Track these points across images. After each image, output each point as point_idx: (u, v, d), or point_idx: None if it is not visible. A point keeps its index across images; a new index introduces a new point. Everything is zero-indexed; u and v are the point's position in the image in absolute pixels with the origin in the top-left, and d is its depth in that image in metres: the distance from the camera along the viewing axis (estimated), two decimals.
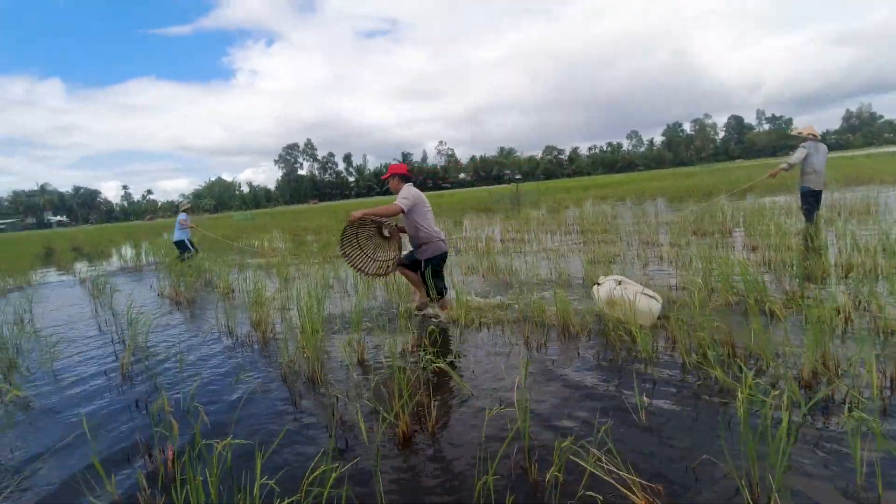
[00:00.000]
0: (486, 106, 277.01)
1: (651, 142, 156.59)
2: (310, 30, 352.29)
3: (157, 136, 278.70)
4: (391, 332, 4.09)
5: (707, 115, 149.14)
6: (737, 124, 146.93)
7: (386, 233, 4.82)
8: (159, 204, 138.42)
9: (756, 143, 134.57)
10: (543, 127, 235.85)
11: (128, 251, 17.21)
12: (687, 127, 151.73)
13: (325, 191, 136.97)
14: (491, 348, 3.68)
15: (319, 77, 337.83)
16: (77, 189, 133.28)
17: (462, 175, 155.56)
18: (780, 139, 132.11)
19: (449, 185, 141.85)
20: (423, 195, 4.53)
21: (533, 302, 4.15)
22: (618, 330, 3.37)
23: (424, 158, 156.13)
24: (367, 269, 4.76)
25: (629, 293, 3.62)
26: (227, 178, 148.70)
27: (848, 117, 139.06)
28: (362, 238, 4.89)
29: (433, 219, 4.58)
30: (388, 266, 4.62)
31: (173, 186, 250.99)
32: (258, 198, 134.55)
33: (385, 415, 2.47)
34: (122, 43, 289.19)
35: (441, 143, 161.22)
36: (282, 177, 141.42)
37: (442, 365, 2.84)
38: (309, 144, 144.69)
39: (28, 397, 3.45)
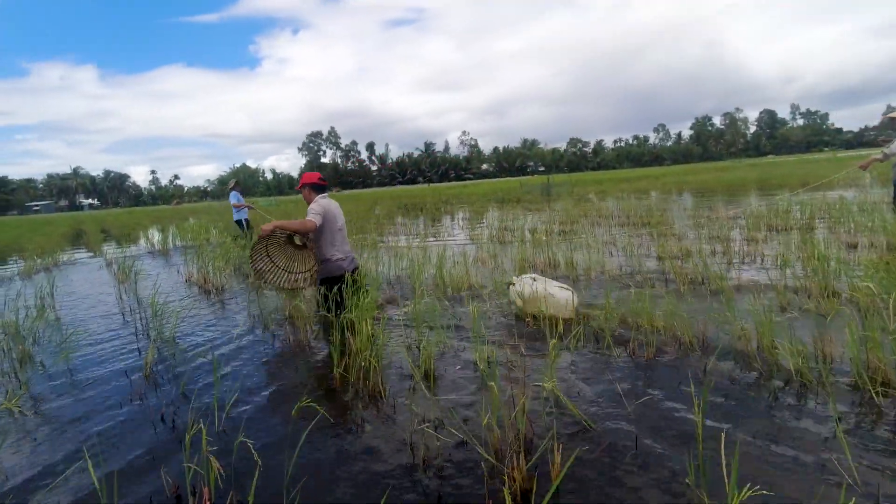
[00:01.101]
0: (510, 97, 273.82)
1: (679, 135, 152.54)
2: (337, 18, 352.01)
3: (185, 122, 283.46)
4: (465, 338, 3.47)
5: (738, 109, 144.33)
6: (769, 119, 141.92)
7: (298, 241, 4.24)
8: (185, 189, 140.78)
9: (789, 138, 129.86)
10: (568, 119, 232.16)
11: (155, 234, 17.03)
12: (717, 121, 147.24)
13: (348, 179, 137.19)
14: (591, 363, 3.02)
15: (345, 66, 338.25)
16: (108, 173, 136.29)
17: (485, 166, 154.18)
18: (814, 135, 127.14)
19: (471, 176, 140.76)
20: (335, 207, 4.11)
21: (634, 303, 3.47)
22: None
23: (447, 148, 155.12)
24: (281, 283, 4.26)
25: (548, 288, 3.76)
26: (252, 164, 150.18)
27: (889, 112, 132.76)
28: (273, 249, 4.25)
29: (342, 236, 4.11)
30: (307, 278, 4.20)
31: (199, 172, 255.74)
32: (282, 185, 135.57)
33: (491, 460, 1.84)
34: (153, 30, 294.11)
35: (464, 133, 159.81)
36: (305, 164, 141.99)
37: (559, 395, 2.21)
38: (332, 133, 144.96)
39: (38, 406, 2.93)
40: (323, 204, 3.97)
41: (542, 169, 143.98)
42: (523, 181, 32.17)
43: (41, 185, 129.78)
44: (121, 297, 5.81)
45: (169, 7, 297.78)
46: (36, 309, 5.40)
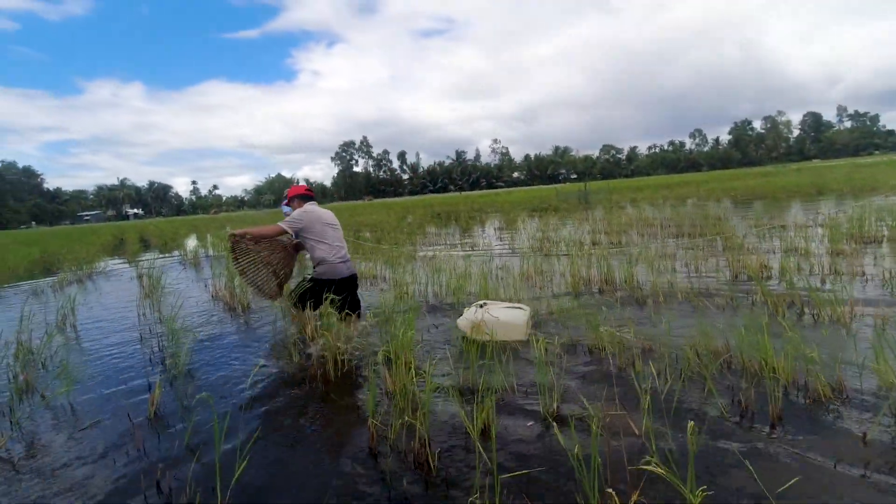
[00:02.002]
0: (541, 104, 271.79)
1: (717, 140, 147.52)
2: (369, 30, 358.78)
3: (224, 134, 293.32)
4: (528, 381, 2.87)
5: (780, 113, 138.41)
6: (814, 121, 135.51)
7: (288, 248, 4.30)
8: (224, 199, 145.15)
9: (836, 141, 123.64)
10: (600, 125, 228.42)
11: (190, 243, 17.13)
12: (757, 125, 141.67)
13: (380, 187, 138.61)
14: (689, 416, 2.38)
15: (377, 76, 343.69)
16: (152, 184, 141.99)
17: (516, 174, 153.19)
18: (863, 137, 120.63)
19: (503, 184, 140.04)
20: (323, 213, 4.08)
21: (739, 337, 2.81)
22: None
23: (478, 156, 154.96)
24: (266, 289, 4.12)
25: (495, 313, 3.56)
26: (287, 174, 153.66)
27: None
28: (264, 249, 4.10)
29: (335, 234, 4.04)
30: (281, 281, 4.23)
31: (237, 182, 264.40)
32: (315, 194, 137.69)
33: None
34: (197, 47, 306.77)
35: (495, 141, 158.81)
36: (338, 173, 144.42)
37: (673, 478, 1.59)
38: (364, 142, 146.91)
39: (25, 449, 2.50)
40: (304, 209, 3.98)
41: (574, 176, 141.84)
42: (559, 189, 31.24)
43: (91, 196, 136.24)
44: (143, 315, 5.47)
45: (212, 24, 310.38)
46: (56, 326, 5.14)
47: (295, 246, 4.30)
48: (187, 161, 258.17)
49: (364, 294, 5.82)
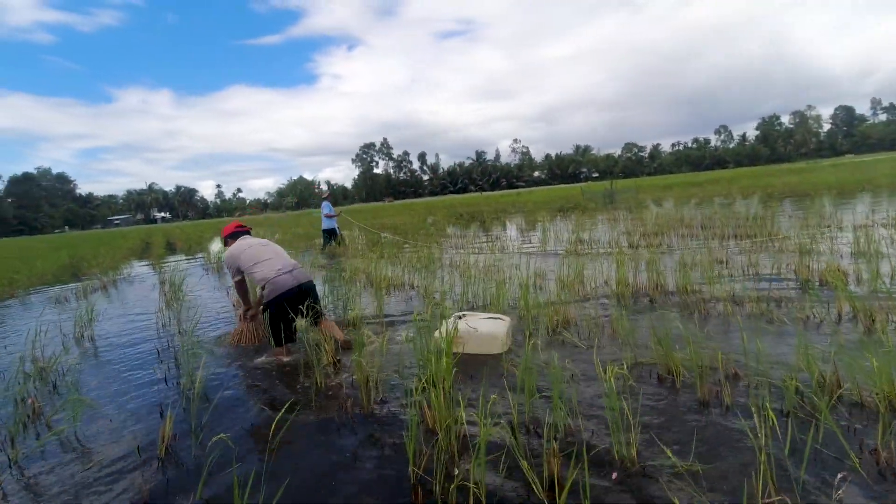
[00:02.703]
0: (562, 103, 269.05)
1: (743, 137, 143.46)
2: (389, 33, 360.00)
3: (247, 138, 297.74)
4: (596, 414, 2.44)
5: (810, 107, 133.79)
6: (846, 115, 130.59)
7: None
8: (247, 201, 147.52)
9: (870, 135, 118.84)
10: (622, 124, 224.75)
11: (214, 247, 17.10)
12: (785, 119, 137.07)
13: (400, 189, 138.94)
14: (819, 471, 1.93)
15: (397, 79, 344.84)
16: (178, 188, 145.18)
17: (536, 173, 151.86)
18: None
19: (523, 184, 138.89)
20: (250, 240, 4.03)
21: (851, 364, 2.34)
22: None
23: (498, 157, 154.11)
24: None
25: (471, 324, 3.48)
26: (308, 176, 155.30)
27: None
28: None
29: (270, 251, 3.92)
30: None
31: (260, 185, 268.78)
32: (336, 195, 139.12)
33: None
34: (221, 53, 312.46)
35: (515, 140, 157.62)
36: (358, 175, 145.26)
37: None
38: (385, 144, 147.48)
39: (17, 493, 2.19)
40: (230, 248, 3.98)
41: (595, 175, 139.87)
42: (585, 187, 30.48)
43: (121, 201, 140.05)
44: (162, 326, 5.21)
45: (236, 31, 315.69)
46: (74, 338, 4.92)
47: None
48: (212, 165, 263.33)
49: (390, 302, 5.46)
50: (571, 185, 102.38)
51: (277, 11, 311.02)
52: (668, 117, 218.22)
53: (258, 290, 3.85)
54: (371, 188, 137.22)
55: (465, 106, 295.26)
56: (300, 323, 3.78)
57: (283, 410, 2.52)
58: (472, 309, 4.81)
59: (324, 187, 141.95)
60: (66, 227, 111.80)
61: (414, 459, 1.98)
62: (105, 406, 3.11)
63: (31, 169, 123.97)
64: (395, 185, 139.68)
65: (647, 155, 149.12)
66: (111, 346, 4.59)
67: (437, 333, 3.49)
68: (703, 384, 2.50)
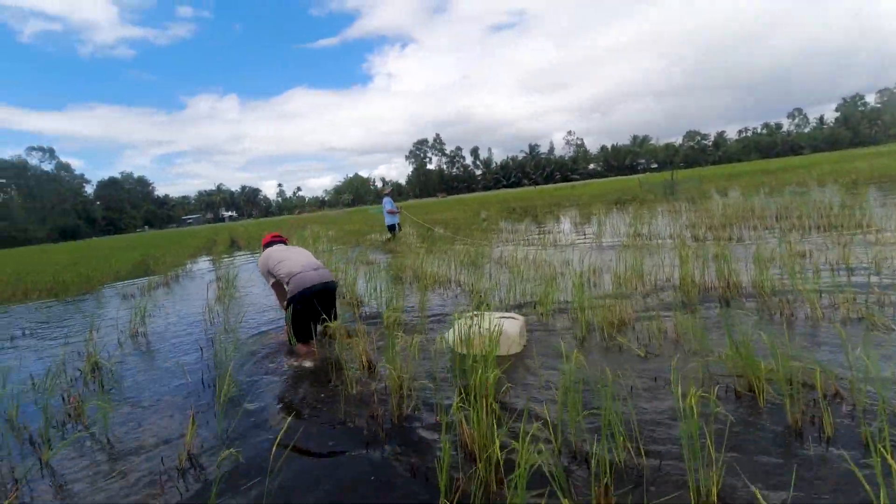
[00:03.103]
0: (617, 93, 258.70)
1: (820, 120, 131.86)
2: (441, 30, 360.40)
3: (306, 139, 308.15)
4: (669, 439, 2.09)
5: None
6: None
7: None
8: (306, 199, 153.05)
9: None
10: (683, 112, 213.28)
11: None
12: (870, 99, 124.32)
13: (453, 184, 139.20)
14: None
15: (449, 75, 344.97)
16: (243, 188, 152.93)
17: (591, 166, 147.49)
18: None
19: (578, 177, 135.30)
20: (275, 249, 4.11)
21: None
22: None
23: (551, 150, 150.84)
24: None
25: (486, 324, 3.00)
26: (364, 174, 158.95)
27: None
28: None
29: (297, 253, 4.03)
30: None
31: (318, 183, 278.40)
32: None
33: None
34: (281, 58, 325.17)
35: (569, 133, 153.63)
36: (412, 172, 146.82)
37: None
38: (437, 139, 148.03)
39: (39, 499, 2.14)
40: (260, 262, 4.05)
41: (654, 166, 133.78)
42: (643, 179, 28.93)
43: (193, 201, 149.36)
44: (210, 322, 5.25)
45: (295, 35, 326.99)
46: (129, 334, 5.05)
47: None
48: (273, 166, 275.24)
49: (433, 300, 5.24)
50: (628, 176, 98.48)
51: (333, 15, 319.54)
52: (734, 102, 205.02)
53: (284, 287, 3.83)
54: (424, 184, 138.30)
55: (518, 99, 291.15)
56: (333, 325, 3.65)
57: (306, 418, 2.34)
58: (519, 308, 4.49)
59: (378, 184, 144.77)
60: (146, 227, 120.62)
61: (447, 491, 1.73)
62: (140, 407, 3.08)
63: (116, 174, 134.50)
64: (448, 181, 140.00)
65: (710, 143, 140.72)
66: (160, 343, 4.66)
67: (448, 334, 3.38)
68: (794, 405, 2.08)
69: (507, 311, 4.43)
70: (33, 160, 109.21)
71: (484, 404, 2.05)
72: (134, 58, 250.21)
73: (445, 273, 6.43)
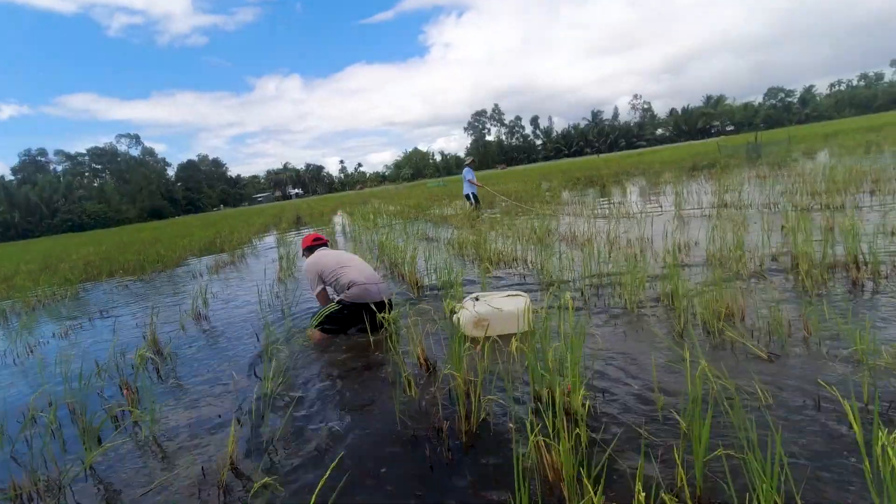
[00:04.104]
0: (690, 51, 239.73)
1: None
2: None
3: (367, 114, 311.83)
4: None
5: None
6: None
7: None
8: (367, 175, 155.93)
9: None
10: (763, 67, 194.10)
11: (337, 218, 17.90)
12: None
13: (513, 155, 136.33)
14: None
15: (507, 42, 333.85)
16: (308, 166, 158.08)
17: (659, 131, 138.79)
18: None
19: (644, 143, 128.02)
20: (325, 253, 3.97)
21: None
22: None
23: (616, 116, 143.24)
24: None
25: (493, 303, 3.22)
26: (423, 147, 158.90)
27: None
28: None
29: (359, 262, 3.90)
30: None
31: (379, 158, 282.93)
32: (449, 165, 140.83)
33: None
34: (339, 35, 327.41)
35: (635, 97, 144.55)
36: (471, 143, 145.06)
37: None
38: (496, 110, 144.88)
39: None
40: (311, 263, 3.89)
41: (730, 128, 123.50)
42: (721, 142, 26.40)
43: (262, 180, 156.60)
44: (268, 305, 5.12)
45: (352, 12, 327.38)
46: (192, 314, 5.03)
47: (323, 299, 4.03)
48: (335, 142, 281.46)
49: (497, 282, 4.80)
50: (701, 140, 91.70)
51: None
52: (824, 53, 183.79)
53: (340, 287, 3.71)
54: (483, 156, 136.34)
55: (581, 64, 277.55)
56: (389, 317, 3.39)
57: (358, 426, 2.01)
58: (597, 293, 3.96)
59: (437, 157, 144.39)
60: (221, 206, 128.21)
61: None
62: (191, 400, 2.91)
63: (193, 156, 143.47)
64: (508, 152, 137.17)
65: (796, 100, 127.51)
66: (219, 328, 4.57)
67: (456, 318, 3.26)
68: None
69: (581, 296, 3.92)
70: (122, 146, 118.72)
71: (566, 423, 1.61)
72: (206, 44, 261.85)
73: (510, 250, 5.95)
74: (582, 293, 3.98)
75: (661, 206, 8.95)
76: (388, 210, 17.32)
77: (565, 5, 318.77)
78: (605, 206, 9.90)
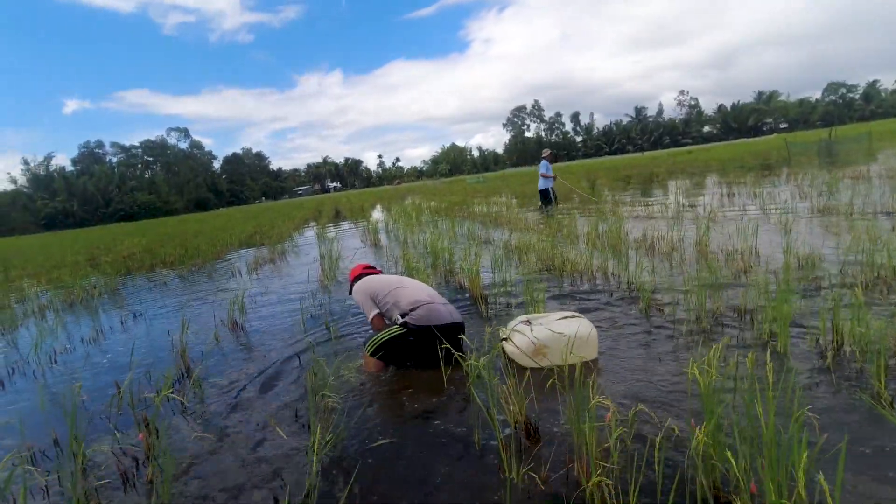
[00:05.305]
0: (740, 43, 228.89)
1: None
2: None
3: (406, 109, 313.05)
4: None
5: None
6: None
7: None
8: (405, 170, 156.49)
9: None
10: (822, 61, 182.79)
11: (376, 214, 17.43)
12: None
13: (553, 152, 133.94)
14: None
15: (548, 36, 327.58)
16: (346, 160, 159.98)
17: (706, 128, 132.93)
18: None
19: (689, 141, 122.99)
20: (376, 276, 3.45)
21: None
22: None
23: (660, 112, 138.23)
24: None
25: (552, 327, 2.77)
26: (460, 143, 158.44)
27: None
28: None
29: (417, 282, 3.35)
30: None
31: (416, 154, 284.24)
32: (487, 161, 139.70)
33: None
34: (381, 32, 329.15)
35: (681, 92, 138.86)
36: (509, 140, 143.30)
37: None
38: (536, 106, 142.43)
39: None
40: (358, 290, 3.37)
41: (783, 126, 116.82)
42: (790, 139, 24.44)
43: (303, 174, 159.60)
44: (310, 315, 4.54)
45: (394, 8, 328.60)
46: (228, 324, 4.51)
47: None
48: (374, 137, 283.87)
49: (581, 302, 4.05)
50: (755, 138, 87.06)
51: None
52: (889, 45, 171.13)
53: (402, 310, 3.06)
54: (522, 152, 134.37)
55: (623, 58, 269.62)
56: (479, 364, 2.66)
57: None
58: (719, 325, 3.15)
59: (475, 153, 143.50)
60: (263, 198, 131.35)
61: None
62: (219, 443, 2.32)
63: (238, 150, 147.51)
64: (547, 148, 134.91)
65: (858, 96, 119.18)
66: (257, 343, 4.01)
67: (507, 346, 2.86)
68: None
69: (698, 324, 3.12)
70: (171, 140, 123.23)
71: None
72: (252, 41, 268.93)
73: (584, 259, 5.17)
74: (700, 321, 3.18)
75: (742, 209, 7.93)
76: (429, 206, 16.72)
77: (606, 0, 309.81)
78: (671, 207, 8.92)
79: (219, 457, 2.26)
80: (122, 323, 5.28)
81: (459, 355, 2.58)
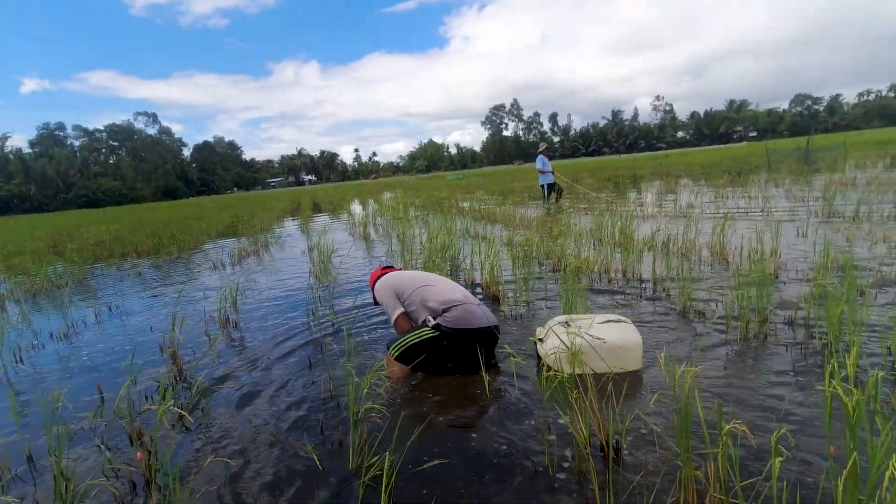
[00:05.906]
0: (713, 52, 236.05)
1: None
2: None
3: (383, 104, 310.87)
4: None
5: None
6: None
7: None
8: (381, 165, 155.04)
9: None
10: (789, 73, 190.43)
11: (356, 208, 16.91)
12: None
13: (530, 151, 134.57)
14: None
15: (528, 36, 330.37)
16: (322, 153, 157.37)
17: (680, 133, 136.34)
18: None
19: (664, 145, 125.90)
20: (401, 274, 3.08)
21: None
22: None
23: (636, 116, 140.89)
24: None
25: (598, 333, 2.49)
26: (438, 139, 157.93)
27: None
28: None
29: (444, 281, 2.97)
30: None
31: (393, 149, 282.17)
32: (464, 158, 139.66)
33: None
34: (360, 24, 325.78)
35: (657, 98, 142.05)
36: (487, 138, 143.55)
37: None
38: (515, 105, 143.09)
39: None
40: (381, 287, 3.02)
41: (753, 134, 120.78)
42: (770, 146, 25.04)
43: (277, 165, 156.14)
44: (314, 315, 4.16)
45: (374, 1, 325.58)
46: (219, 323, 4.09)
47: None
48: (351, 131, 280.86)
49: (607, 301, 3.80)
50: (727, 145, 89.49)
51: None
52: (854, 62, 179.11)
53: (433, 310, 2.73)
54: (500, 151, 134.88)
55: (602, 62, 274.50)
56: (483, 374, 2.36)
57: None
58: (787, 328, 2.94)
59: (452, 150, 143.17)
60: (235, 189, 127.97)
61: None
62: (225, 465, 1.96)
63: (209, 138, 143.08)
64: (525, 148, 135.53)
65: (822, 108, 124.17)
66: (256, 345, 3.62)
67: (544, 346, 2.59)
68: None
69: (743, 331, 2.89)
70: (139, 125, 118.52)
71: None
72: (227, 27, 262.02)
73: (595, 257, 4.94)
74: (746, 326, 2.96)
75: (744, 210, 7.87)
76: (414, 202, 16.33)
77: (586, 2, 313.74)
78: (668, 207, 8.82)
79: (243, 486, 1.89)
80: (95, 317, 4.78)
81: (519, 360, 2.28)
